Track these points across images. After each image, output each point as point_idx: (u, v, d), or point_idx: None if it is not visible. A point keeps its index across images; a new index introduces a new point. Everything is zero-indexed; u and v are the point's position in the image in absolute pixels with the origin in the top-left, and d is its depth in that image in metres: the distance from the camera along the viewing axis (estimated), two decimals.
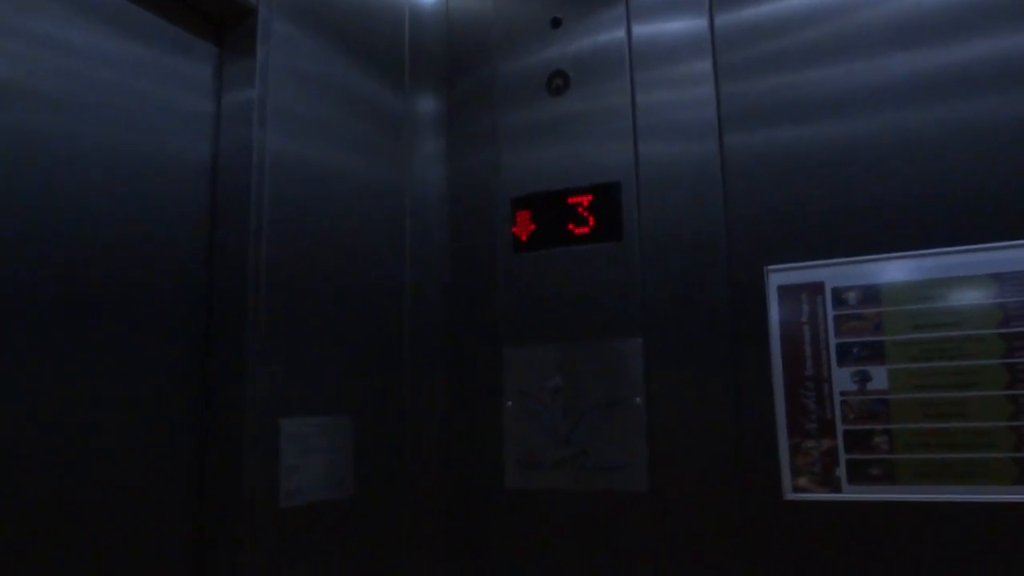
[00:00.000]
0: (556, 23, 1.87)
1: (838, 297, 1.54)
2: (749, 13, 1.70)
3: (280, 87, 1.51)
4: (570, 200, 1.79)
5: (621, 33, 1.80)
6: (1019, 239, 1.42)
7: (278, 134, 1.49)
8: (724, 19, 1.72)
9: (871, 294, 1.52)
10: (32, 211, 1.15)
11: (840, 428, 1.51)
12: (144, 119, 1.35)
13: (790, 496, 1.53)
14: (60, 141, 1.20)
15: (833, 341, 1.53)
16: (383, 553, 1.68)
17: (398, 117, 1.88)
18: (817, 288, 1.56)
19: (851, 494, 1.48)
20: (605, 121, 1.79)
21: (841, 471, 1.50)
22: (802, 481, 1.52)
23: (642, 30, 1.79)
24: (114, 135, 1.29)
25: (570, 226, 1.78)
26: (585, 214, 1.77)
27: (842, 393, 1.51)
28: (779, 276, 1.59)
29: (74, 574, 1.17)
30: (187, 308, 1.40)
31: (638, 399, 1.66)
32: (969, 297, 1.45)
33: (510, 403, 1.79)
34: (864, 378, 1.50)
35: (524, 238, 1.83)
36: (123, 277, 1.29)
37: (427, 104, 1.98)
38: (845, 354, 1.52)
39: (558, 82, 1.85)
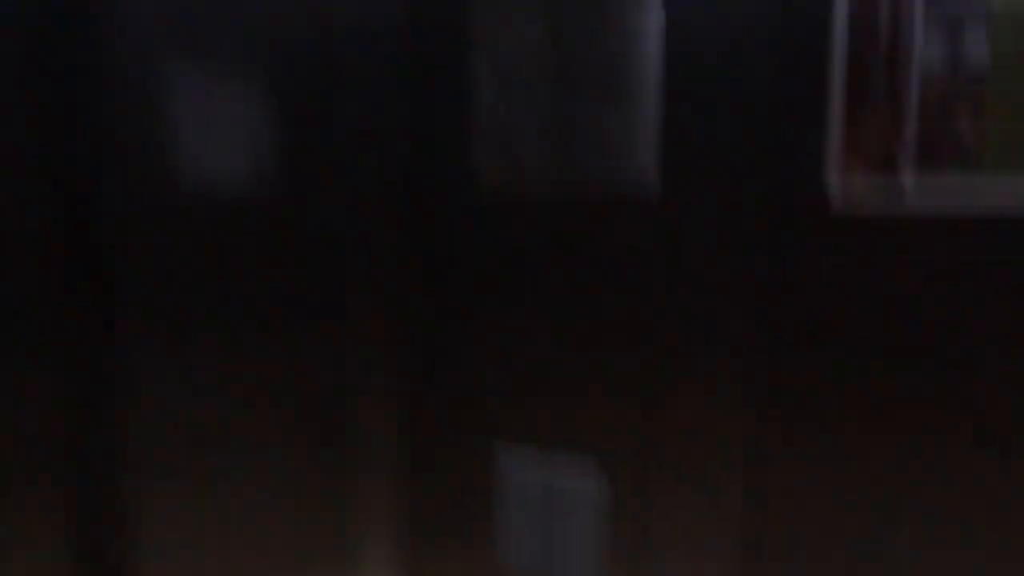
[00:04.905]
0: None
1: None
2: None
3: None
4: None
5: None
6: None
7: None
8: None
9: None
10: None
11: (913, 102, 1.11)
12: None
13: (834, 188, 1.17)
14: None
15: None
16: (329, 258, 1.39)
17: None
18: None
19: (914, 183, 1.12)
20: None
21: (909, 153, 1.12)
22: (854, 161, 1.15)
23: None
24: None
25: None
26: None
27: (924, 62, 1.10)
28: None
29: None
30: None
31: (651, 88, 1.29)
32: None
33: (486, 92, 1.42)
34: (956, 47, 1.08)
35: None
36: None
37: None
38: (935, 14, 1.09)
39: None
